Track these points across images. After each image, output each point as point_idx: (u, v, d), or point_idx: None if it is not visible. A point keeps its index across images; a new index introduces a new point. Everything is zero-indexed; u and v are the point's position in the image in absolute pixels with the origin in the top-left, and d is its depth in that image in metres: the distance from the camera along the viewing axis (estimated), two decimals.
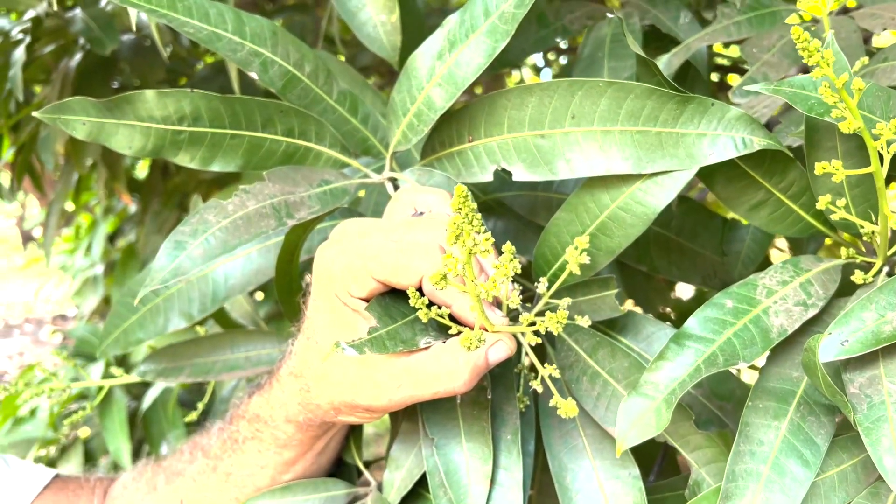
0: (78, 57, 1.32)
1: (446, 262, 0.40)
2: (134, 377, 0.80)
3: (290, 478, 0.59)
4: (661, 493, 0.58)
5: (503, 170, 0.53)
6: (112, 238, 2.30)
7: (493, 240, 0.41)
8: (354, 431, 0.64)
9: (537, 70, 1.87)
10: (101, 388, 1.02)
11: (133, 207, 2.09)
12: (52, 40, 1.40)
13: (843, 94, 0.40)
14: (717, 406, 0.55)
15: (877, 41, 0.70)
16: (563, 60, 1.59)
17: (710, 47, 0.80)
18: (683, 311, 1.15)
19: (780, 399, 0.46)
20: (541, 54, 1.66)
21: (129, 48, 1.30)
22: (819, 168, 0.43)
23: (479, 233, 0.40)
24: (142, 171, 2.13)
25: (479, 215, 0.40)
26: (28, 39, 1.31)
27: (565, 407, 0.44)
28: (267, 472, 0.59)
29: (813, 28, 0.63)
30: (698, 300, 1.31)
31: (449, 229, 0.39)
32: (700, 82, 0.70)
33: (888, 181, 0.46)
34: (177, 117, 0.54)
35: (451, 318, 0.47)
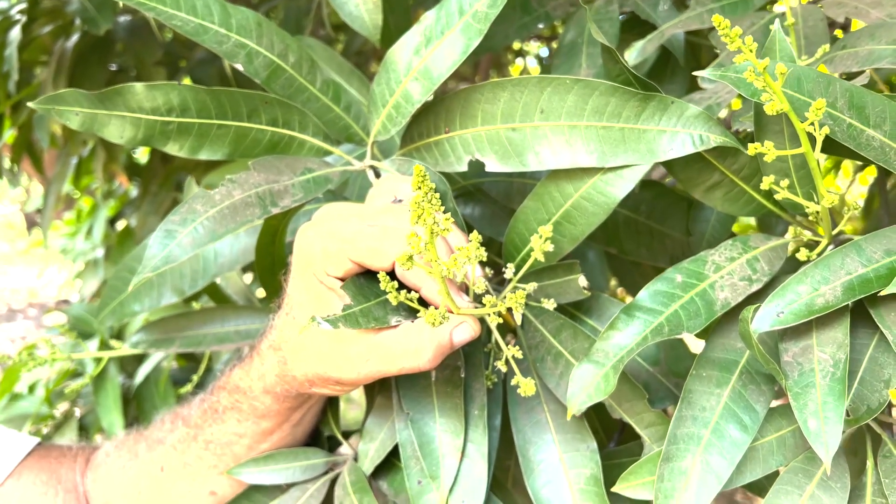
0: (75, 38, 1.37)
1: (410, 241, 0.44)
2: (131, 349, 0.87)
3: (268, 447, 0.65)
4: (619, 459, 0.63)
5: (477, 161, 0.58)
6: (113, 221, 2.37)
7: (452, 219, 0.45)
8: (332, 404, 0.70)
9: (541, 59, 1.92)
10: (99, 361, 1.09)
11: (134, 192, 2.16)
12: (49, 21, 1.45)
13: (766, 77, 0.44)
14: (674, 383, 0.60)
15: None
16: None
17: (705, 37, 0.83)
18: None
19: (724, 368, 0.51)
20: (545, 43, 1.70)
21: (125, 29, 1.35)
22: (752, 148, 0.47)
23: (439, 212, 0.44)
24: (143, 156, 2.19)
25: (437, 195, 0.44)
26: (24, 19, 1.36)
27: (524, 385, 0.50)
28: (245, 441, 0.64)
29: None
30: None
31: (411, 209, 0.44)
32: (679, 70, 0.75)
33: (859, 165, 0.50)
34: (165, 109, 0.59)
35: (421, 302, 0.52)
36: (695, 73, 0.54)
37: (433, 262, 0.46)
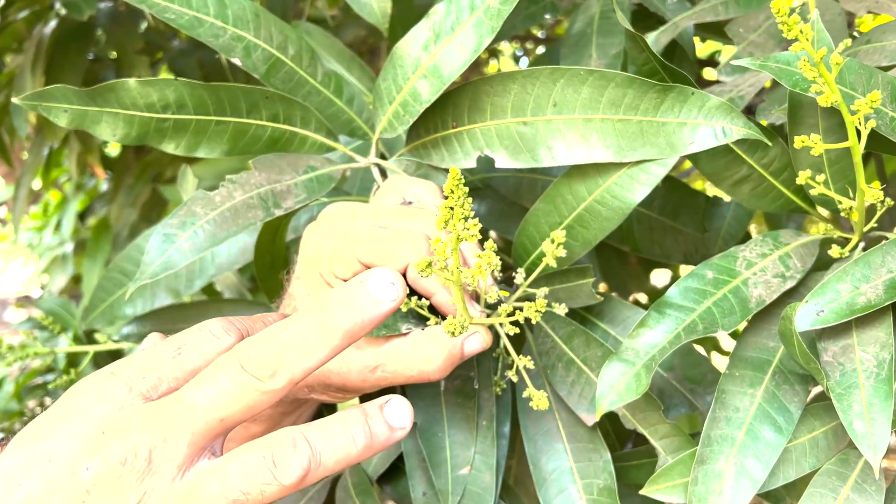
0: (53, 24, 1.34)
1: (435, 247, 0.43)
2: (117, 343, 0.85)
3: None
4: (634, 461, 0.63)
5: (486, 157, 0.57)
6: (82, 216, 2.33)
7: (480, 225, 0.44)
8: (328, 406, 0.68)
9: (516, 59, 1.92)
10: (82, 355, 1.07)
11: (105, 185, 2.12)
12: (26, 5, 1.42)
13: (821, 68, 0.44)
14: (689, 389, 0.59)
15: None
16: (540, 50, 1.65)
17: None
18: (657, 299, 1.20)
19: (757, 368, 0.50)
20: (519, 44, 1.71)
21: (106, 16, 1.32)
22: (798, 141, 0.47)
23: (466, 218, 0.43)
24: (114, 149, 2.16)
25: (469, 200, 0.43)
26: (1, 3, 1.33)
27: (537, 399, 0.49)
28: (232, 445, 0.62)
29: (798, 10, 0.66)
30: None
31: (439, 212, 0.42)
32: (686, 62, 0.74)
33: (867, 159, 0.50)
34: (160, 105, 0.57)
35: (431, 309, 0.51)
36: (734, 62, 0.53)
37: (454, 270, 0.45)
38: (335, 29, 1.33)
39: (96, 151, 1.69)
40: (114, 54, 1.42)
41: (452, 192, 0.42)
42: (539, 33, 1.67)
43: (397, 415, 0.43)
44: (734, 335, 0.98)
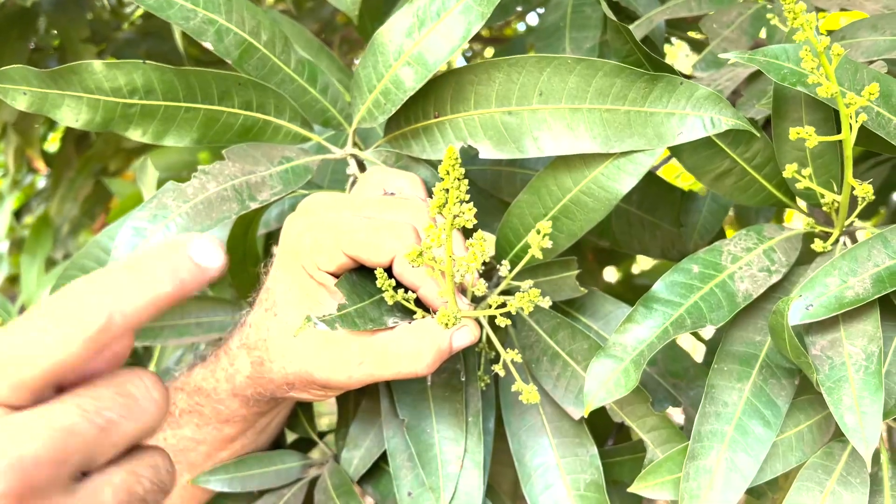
0: None
1: (429, 233, 0.41)
2: None
3: (227, 455, 0.61)
4: (617, 457, 0.62)
5: (470, 147, 0.54)
6: (18, 214, 2.23)
7: (475, 210, 0.42)
8: (304, 404, 0.66)
9: (467, 59, 1.91)
10: None
11: (42, 182, 2.03)
12: None
13: (822, 58, 0.43)
14: (672, 384, 0.58)
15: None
16: (489, 52, 1.64)
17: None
18: (611, 294, 1.22)
19: (744, 362, 0.50)
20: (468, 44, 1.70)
21: (49, 2, 1.25)
22: (793, 133, 0.46)
23: (462, 201, 0.41)
24: (52, 144, 2.06)
25: (466, 182, 0.40)
26: None
27: (527, 393, 0.47)
28: (203, 448, 0.59)
29: (770, 6, 0.67)
30: (624, 283, 1.42)
31: (435, 195, 0.40)
32: (657, 55, 0.74)
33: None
34: (127, 90, 0.53)
35: (418, 302, 0.49)
36: (722, 55, 0.52)
37: (448, 259, 0.43)
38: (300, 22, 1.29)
39: (36, 145, 1.61)
40: (57, 43, 1.35)
41: (448, 172, 0.40)
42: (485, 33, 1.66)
43: (204, 253, 0.37)
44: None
